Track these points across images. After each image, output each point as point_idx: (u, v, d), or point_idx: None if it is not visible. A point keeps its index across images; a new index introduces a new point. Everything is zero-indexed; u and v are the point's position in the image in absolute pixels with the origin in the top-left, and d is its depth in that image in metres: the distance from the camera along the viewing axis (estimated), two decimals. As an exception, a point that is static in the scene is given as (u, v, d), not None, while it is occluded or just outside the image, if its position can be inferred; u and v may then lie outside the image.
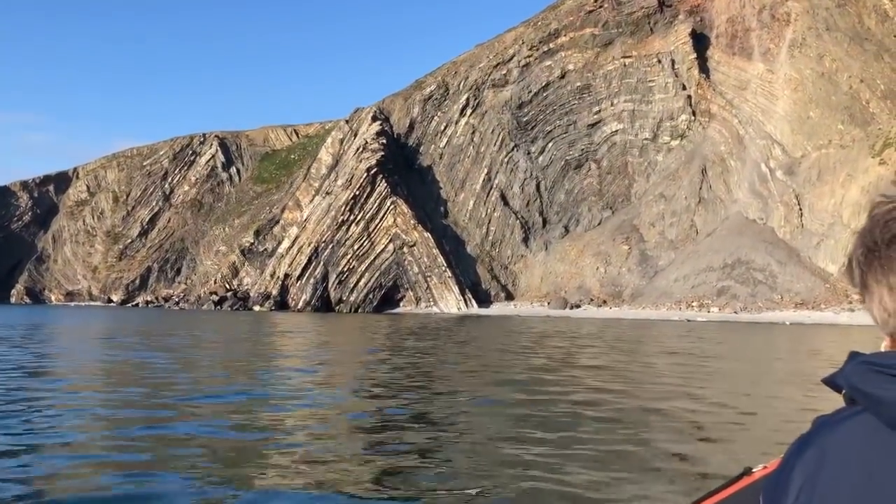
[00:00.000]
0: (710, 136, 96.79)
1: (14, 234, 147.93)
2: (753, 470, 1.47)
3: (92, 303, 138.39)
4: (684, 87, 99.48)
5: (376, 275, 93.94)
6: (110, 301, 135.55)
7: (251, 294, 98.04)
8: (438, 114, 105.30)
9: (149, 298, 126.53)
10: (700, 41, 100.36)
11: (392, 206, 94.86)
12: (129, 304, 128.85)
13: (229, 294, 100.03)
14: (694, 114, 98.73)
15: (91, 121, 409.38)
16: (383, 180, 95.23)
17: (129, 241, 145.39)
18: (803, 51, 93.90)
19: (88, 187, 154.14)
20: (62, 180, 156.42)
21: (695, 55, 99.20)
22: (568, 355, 28.69)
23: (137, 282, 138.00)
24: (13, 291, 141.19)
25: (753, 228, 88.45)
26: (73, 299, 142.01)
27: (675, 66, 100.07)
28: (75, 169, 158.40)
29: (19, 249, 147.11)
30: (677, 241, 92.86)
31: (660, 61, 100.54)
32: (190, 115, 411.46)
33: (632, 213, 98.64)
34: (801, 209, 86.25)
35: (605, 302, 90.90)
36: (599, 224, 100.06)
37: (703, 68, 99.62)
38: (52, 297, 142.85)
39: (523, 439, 10.78)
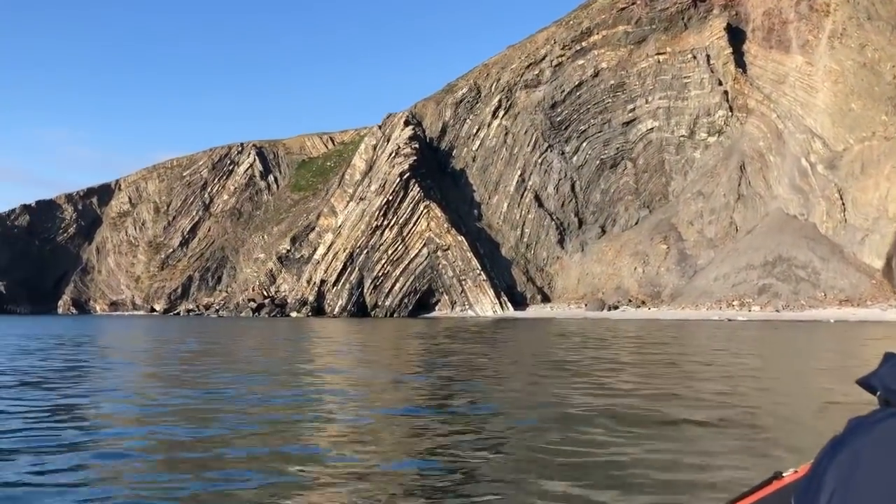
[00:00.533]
0: (749, 131, 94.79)
1: (60, 247, 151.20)
2: (784, 474, 1.47)
3: (135, 312, 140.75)
4: (720, 83, 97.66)
5: (411, 279, 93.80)
6: (153, 310, 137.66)
7: (288, 300, 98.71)
8: (471, 117, 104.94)
9: (190, 307, 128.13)
10: (735, 35, 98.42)
11: (425, 211, 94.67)
12: (171, 313, 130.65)
13: (267, 301, 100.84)
14: (731, 109, 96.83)
15: (133, 134, 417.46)
16: (416, 185, 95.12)
17: (171, 250, 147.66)
18: (844, 41, 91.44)
19: (130, 198, 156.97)
20: (105, 192, 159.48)
21: (730, 50, 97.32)
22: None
23: (179, 290, 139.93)
24: (60, 302, 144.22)
25: (794, 225, 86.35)
26: (117, 309, 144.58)
27: (711, 62, 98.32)
28: (117, 181, 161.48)
29: (65, 261, 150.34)
30: (716, 240, 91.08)
31: (695, 57, 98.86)
32: (228, 126, 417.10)
33: (669, 211, 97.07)
34: (843, 204, 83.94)
35: (643, 303, 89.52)
36: (637, 224, 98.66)
37: (740, 63, 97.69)
38: (97, 307, 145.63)
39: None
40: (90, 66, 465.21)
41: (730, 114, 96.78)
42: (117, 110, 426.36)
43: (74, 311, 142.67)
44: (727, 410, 13.11)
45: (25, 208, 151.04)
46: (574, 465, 8.95)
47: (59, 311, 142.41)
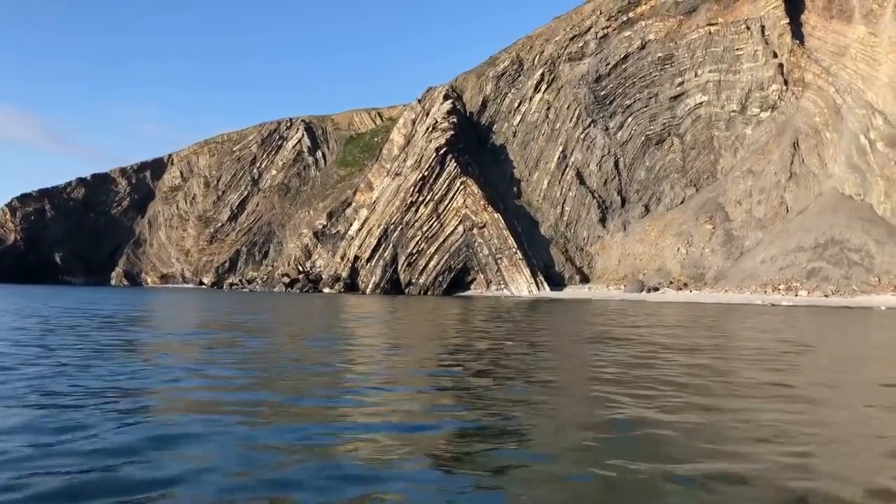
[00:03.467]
0: (804, 106, 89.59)
1: (114, 219, 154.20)
2: None
3: (185, 285, 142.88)
4: (775, 55, 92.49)
5: (445, 257, 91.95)
6: (202, 283, 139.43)
7: (323, 276, 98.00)
8: (512, 90, 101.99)
9: (233, 281, 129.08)
10: (793, 5, 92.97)
11: (462, 187, 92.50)
12: (217, 287, 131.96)
13: (301, 276, 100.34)
14: (786, 83, 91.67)
15: (192, 109, 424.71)
16: (453, 160, 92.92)
17: (220, 224, 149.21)
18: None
19: (182, 173, 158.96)
20: (158, 166, 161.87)
21: (787, 20, 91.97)
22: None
23: (227, 265, 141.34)
24: (113, 274, 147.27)
25: (849, 205, 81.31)
26: (167, 282, 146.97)
27: (766, 33, 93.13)
28: (170, 155, 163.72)
29: (119, 233, 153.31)
30: (765, 220, 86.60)
31: (748, 28, 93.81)
32: (279, 102, 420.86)
33: (717, 190, 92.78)
34: (904, 184, 78.61)
35: (685, 285, 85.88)
36: (682, 203, 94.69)
37: (797, 34, 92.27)
38: (148, 280, 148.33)
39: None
40: (152, 42, 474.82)
41: (784, 88, 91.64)
42: (179, 89, 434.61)
43: (126, 283, 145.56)
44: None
45: (81, 181, 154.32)
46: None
47: (112, 282, 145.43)
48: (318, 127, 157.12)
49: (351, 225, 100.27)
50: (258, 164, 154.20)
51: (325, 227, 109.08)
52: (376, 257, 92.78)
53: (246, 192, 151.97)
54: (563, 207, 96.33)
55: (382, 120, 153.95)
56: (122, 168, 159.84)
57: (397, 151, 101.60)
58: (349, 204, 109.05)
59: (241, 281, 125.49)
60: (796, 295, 75.38)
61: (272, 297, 79.39)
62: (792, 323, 38.75)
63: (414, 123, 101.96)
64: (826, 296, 73.82)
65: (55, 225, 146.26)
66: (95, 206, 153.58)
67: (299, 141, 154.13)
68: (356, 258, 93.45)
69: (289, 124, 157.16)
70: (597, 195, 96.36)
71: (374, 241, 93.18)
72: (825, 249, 78.61)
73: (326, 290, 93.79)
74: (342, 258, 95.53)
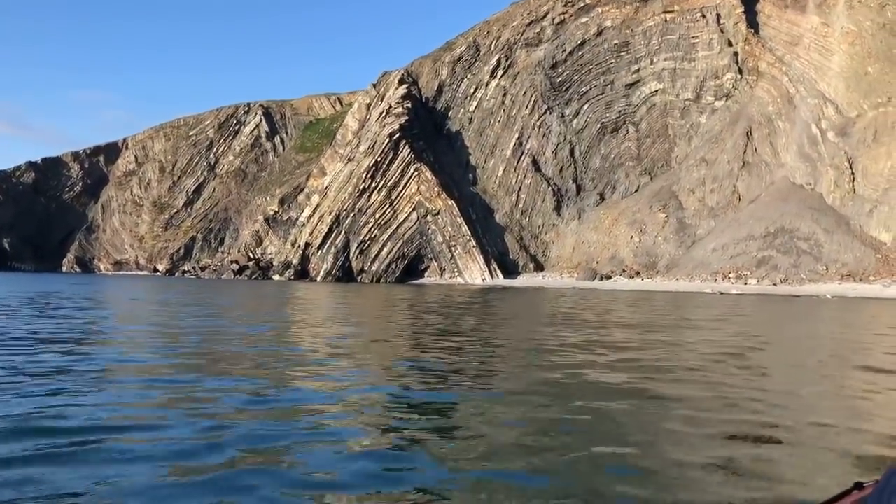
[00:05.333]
0: (758, 95, 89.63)
1: (66, 205, 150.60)
2: (865, 484, 1.50)
3: (139, 272, 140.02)
4: (730, 44, 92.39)
5: (399, 244, 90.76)
6: (156, 270, 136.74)
7: (273, 263, 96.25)
8: (468, 76, 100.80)
9: (186, 268, 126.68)
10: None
11: (416, 173, 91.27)
12: (170, 274, 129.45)
13: (251, 263, 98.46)
14: (740, 72, 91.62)
15: (153, 95, 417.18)
16: (407, 146, 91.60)
17: (175, 210, 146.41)
18: (863, 1, 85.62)
19: (136, 158, 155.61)
20: (112, 151, 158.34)
21: (742, 9, 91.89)
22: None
23: (182, 251, 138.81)
24: (64, 261, 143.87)
25: (800, 194, 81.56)
26: (121, 268, 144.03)
27: (721, 21, 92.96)
28: (124, 140, 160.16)
29: (71, 219, 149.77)
30: (718, 209, 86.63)
31: (704, 16, 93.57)
32: (238, 88, 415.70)
33: (671, 178, 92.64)
34: (853, 173, 78.92)
35: (637, 273, 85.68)
36: (637, 191, 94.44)
37: (752, 23, 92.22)
38: (101, 267, 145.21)
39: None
40: (111, 29, 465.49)
41: (739, 77, 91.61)
42: (138, 74, 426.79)
43: (78, 269, 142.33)
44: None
45: (31, 165, 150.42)
46: None
47: (64, 269, 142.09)
48: (277, 112, 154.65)
49: (303, 211, 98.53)
50: (215, 150, 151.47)
51: (276, 213, 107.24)
52: (328, 244, 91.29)
53: (202, 178, 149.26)
54: (518, 195, 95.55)
55: (342, 105, 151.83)
56: (74, 152, 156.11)
57: (351, 136, 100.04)
58: (302, 190, 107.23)
59: (193, 268, 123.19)
60: (746, 283, 75.44)
61: (214, 284, 77.53)
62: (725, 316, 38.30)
63: (368, 108, 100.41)
64: (775, 284, 73.99)
65: (3, 210, 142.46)
66: (46, 190, 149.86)
67: (257, 126, 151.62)
68: (307, 245, 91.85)
69: (246, 109, 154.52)
70: (552, 183, 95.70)
71: (325, 228, 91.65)
72: (775, 238, 78.77)
73: (276, 277, 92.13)
74: (293, 245, 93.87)
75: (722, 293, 69.00)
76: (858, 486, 1.55)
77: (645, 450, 7.52)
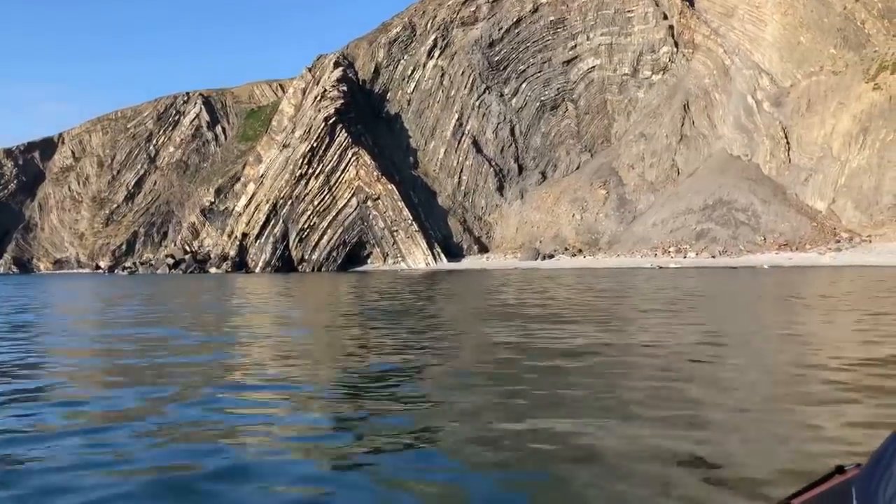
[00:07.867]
0: (694, 68, 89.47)
1: (1, 203, 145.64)
2: (846, 467, 1.51)
3: (80, 270, 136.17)
4: (666, 17, 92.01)
5: (339, 231, 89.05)
6: (98, 268, 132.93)
7: (211, 256, 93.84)
8: (405, 57, 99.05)
9: (128, 264, 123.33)
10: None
11: (354, 158, 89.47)
12: (111, 272, 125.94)
13: (187, 257, 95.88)
14: (676, 45, 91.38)
15: (94, 88, 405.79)
16: (343, 130, 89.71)
17: (115, 206, 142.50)
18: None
19: (73, 152, 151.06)
20: (48, 146, 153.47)
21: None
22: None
23: (124, 247, 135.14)
24: (0, 262, 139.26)
25: (737, 165, 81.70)
26: (61, 267, 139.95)
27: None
28: (60, 134, 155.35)
29: (6, 219, 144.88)
30: (657, 183, 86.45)
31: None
32: (176, 76, 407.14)
33: (611, 155, 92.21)
34: (788, 143, 79.26)
35: (580, 251, 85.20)
36: (578, 168, 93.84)
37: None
38: (41, 266, 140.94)
39: None
40: (49, 21, 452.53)
41: (675, 50, 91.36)
42: (83, 65, 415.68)
43: (16, 270, 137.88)
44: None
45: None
46: None
47: (0, 270, 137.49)
48: (218, 101, 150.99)
49: (239, 200, 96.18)
50: (154, 142, 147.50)
51: (213, 203, 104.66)
52: (265, 234, 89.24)
53: (142, 171, 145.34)
54: (460, 177, 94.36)
55: (284, 91, 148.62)
56: (7, 149, 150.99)
57: (286, 122, 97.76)
58: (238, 179, 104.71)
59: (135, 264, 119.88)
60: (685, 257, 75.37)
61: (143, 280, 75.04)
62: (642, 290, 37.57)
63: (304, 93, 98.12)
64: (713, 256, 74.01)
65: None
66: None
67: (197, 116, 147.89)
68: (244, 235, 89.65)
69: (185, 98, 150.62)
70: (494, 163, 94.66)
71: (262, 217, 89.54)
72: (714, 210, 78.83)
73: (213, 270, 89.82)
74: (230, 236, 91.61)
75: (661, 267, 68.71)
76: (839, 469, 1.56)
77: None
